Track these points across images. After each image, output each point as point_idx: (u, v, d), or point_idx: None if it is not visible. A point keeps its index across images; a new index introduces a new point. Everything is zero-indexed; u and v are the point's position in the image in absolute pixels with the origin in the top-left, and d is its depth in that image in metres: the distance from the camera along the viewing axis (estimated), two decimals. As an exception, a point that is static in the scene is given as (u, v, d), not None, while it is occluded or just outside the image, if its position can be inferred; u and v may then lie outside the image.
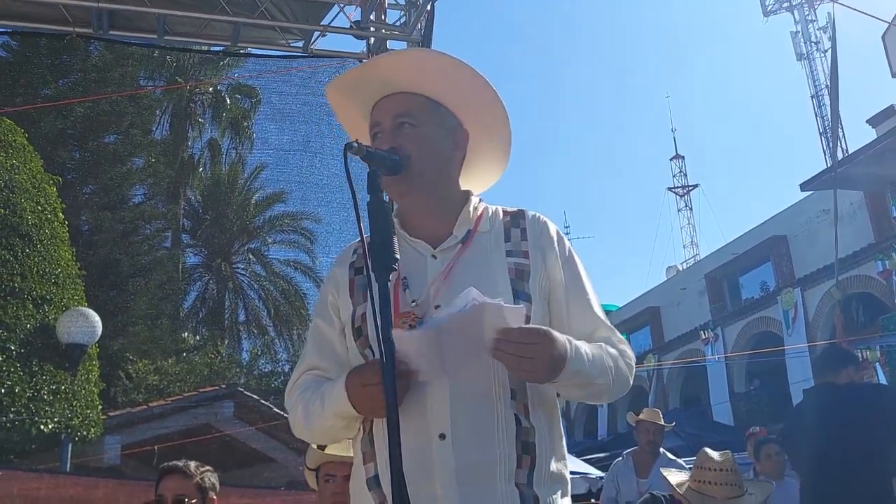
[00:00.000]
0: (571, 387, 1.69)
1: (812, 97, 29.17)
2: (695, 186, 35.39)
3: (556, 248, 1.84)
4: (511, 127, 1.95)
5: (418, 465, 1.59)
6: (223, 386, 12.10)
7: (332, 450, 2.96)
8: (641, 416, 6.28)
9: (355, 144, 1.60)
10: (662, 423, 6.21)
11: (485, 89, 1.87)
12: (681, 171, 35.43)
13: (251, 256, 23.04)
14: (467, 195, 1.89)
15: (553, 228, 1.87)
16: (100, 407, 10.21)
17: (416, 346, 1.58)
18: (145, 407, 11.58)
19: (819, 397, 4.20)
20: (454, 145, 1.88)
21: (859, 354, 13.20)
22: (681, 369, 21.76)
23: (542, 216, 1.89)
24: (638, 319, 25.55)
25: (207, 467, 3.22)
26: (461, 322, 1.57)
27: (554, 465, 1.71)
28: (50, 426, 9.08)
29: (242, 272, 22.95)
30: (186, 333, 20.55)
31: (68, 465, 9.06)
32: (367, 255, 1.56)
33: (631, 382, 1.82)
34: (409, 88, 1.84)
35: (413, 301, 1.71)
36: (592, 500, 8.96)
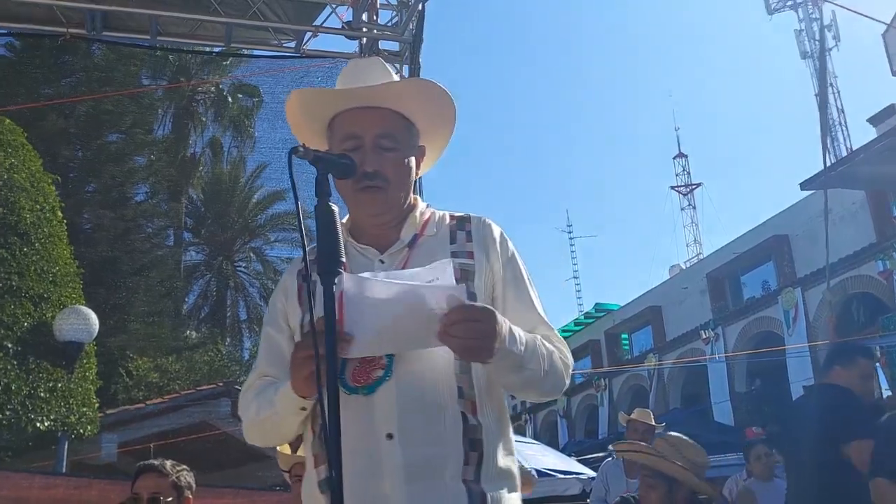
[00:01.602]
0: (504, 369, 1.69)
1: (816, 95, 29.09)
2: (698, 185, 35.37)
3: (499, 248, 1.88)
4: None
5: (367, 465, 1.63)
6: (220, 384, 12.13)
7: (303, 451, 3.00)
8: (633, 416, 6.32)
9: (301, 149, 1.62)
10: (653, 423, 6.25)
11: (452, 115, 1.96)
12: (684, 170, 35.41)
13: (252, 255, 23.12)
14: (415, 201, 1.93)
15: (497, 230, 1.91)
16: (97, 405, 10.25)
17: (367, 301, 1.59)
18: (142, 405, 11.62)
19: (817, 397, 4.19)
20: (418, 163, 1.94)
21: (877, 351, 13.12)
22: (681, 369, 21.75)
23: (487, 219, 1.93)
24: (639, 318, 25.54)
25: (184, 466, 3.25)
26: (410, 294, 1.59)
27: (502, 462, 1.74)
28: (46, 424, 9.11)
29: (244, 270, 23.04)
30: (188, 331, 20.62)
31: (65, 463, 9.10)
32: (307, 259, 1.58)
33: (566, 381, 1.84)
34: (391, 106, 1.86)
35: None
36: (588, 501, 8.98)
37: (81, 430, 9.79)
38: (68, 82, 16.46)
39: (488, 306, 1.66)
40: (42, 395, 9.41)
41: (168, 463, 3.19)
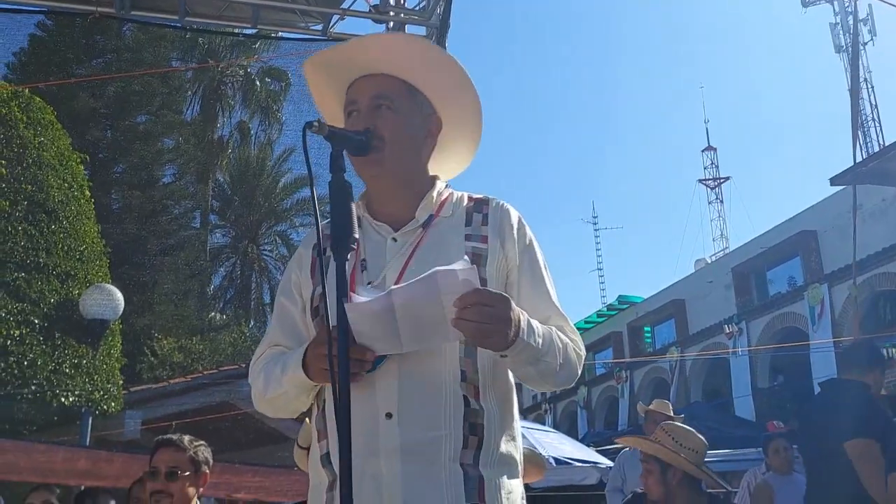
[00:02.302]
0: (521, 362, 1.68)
1: (850, 90, 28.68)
2: (726, 179, 35.01)
3: (516, 234, 1.85)
4: (483, 120, 1.97)
5: (365, 443, 1.62)
6: (243, 365, 12.24)
7: None
8: (651, 407, 6.30)
9: (316, 123, 1.61)
10: (671, 414, 6.22)
11: (463, 81, 1.90)
12: (712, 163, 35.06)
13: (278, 238, 23.24)
14: (433, 181, 1.91)
15: (515, 215, 1.88)
16: (121, 382, 10.39)
17: (369, 316, 1.59)
18: (165, 383, 11.75)
19: (834, 392, 4.15)
20: (427, 132, 1.90)
21: (885, 352, 13.02)
22: (704, 363, 21.60)
23: (505, 203, 1.90)
24: (663, 312, 25.37)
25: (201, 442, 3.28)
26: (415, 290, 1.58)
27: (504, 447, 1.73)
28: (70, 399, 9.27)
29: (269, 254, 23.17)
30: (213, 313, 20.80)
31: (88, 439, 9.23)
32: (321, 234, 1.59)
33: (578, 372, 1.82)
34: (389, 71, 1.85)
35: (369, 283, 1.73)
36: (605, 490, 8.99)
37: (105, 407, 9.95)
38: (99, 62, 16.63)
39: (503, 293, 1.64)
40: (67, 370, 9.56)
41: (186, 438, 3.21)
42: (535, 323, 1.69)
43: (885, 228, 17.19)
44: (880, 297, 17.11)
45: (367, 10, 6.50)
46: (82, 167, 11.18)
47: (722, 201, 34.34)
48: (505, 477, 1.71)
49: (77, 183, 10.81)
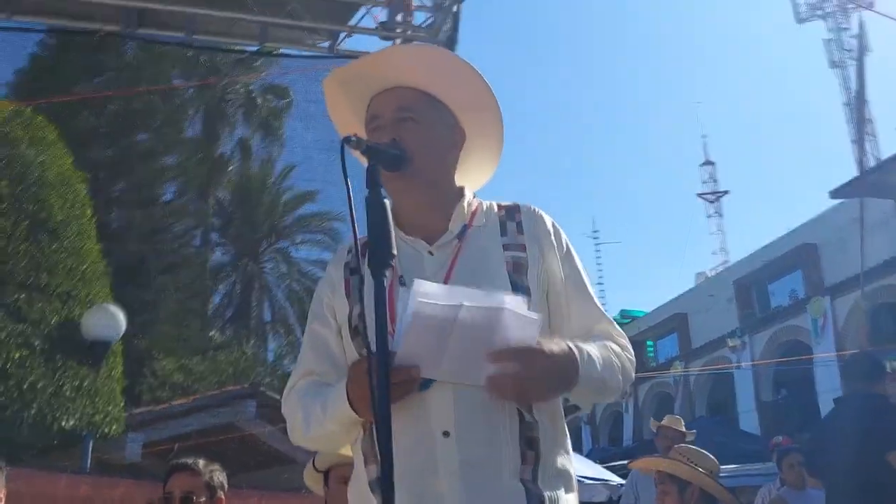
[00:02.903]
0: (586, 394, 1.67)
1: (844, 105, 28.78)
2: (725, 193, 35.06)
3: (554, 240, 1.82)
4: (504, 131, 1.94)
5: (422, 464, 1.58)
6: (246, 385, 12.13)
7: (347, 451, 2.93)
8: (663, 423, 6.27)
9: (353, 138, 1.58)
10: (683, 430, 6.18)
11: (483, 90, 1.87)
12: (710, 178, 35.12)
13: (278, 256, 23.17)
14: (461, 191, 1.87)
15: (549, 221, 1.85)
16: (122, 404, 10.28)
17: (429, 320, 1.53)
18: (167, 405, 11.64)
19: (856, 406, 4.09)
20: (452, 143, 1.86)
21: (887, 364, 12.96)
22: (708, 377, 21.54)
23: (537, 209, 1.87)
24: (665, 326, 25.33)
25: (216, 465, 3.21)
26: (481, 315, 1.54)
27: (559, 462, 1.70)
28: (71, 422, 9.15)
29: (270, 271, 23.10)
30: (213, 332, 20.68)
31: (89, 462, 9.11)
32: (360, 252, 1.55)
33: (634, 376, 1.79)
34: (410, 83, 1.82)
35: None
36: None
37: (106, 430, 9.82)
38: (100, 81, 16.59)
39: (531, 347, 1.57)
40: (68, 393, 9.44)
41: (201, 462, 3.15)
42: (593, 352, 1.66)
43: (887, 241, 17.17)
44: (881, 309, 17.08)
45: (375, 27, 6.49)
46: (84, 186, 11.11)
47: (721, 215, 34.43)
48: (562, 491, 1.67)
49: (79, 202, 10.75)
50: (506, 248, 1.77)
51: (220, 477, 3.16)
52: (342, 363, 1.79)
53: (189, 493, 3.03)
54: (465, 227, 1.80)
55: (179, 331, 17.57)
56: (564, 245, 1.85)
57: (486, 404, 1.62)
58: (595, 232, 40.65)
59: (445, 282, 1.71)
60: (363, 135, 1.84)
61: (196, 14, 6.37)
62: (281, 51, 7.59)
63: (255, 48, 7.13)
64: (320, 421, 1.70)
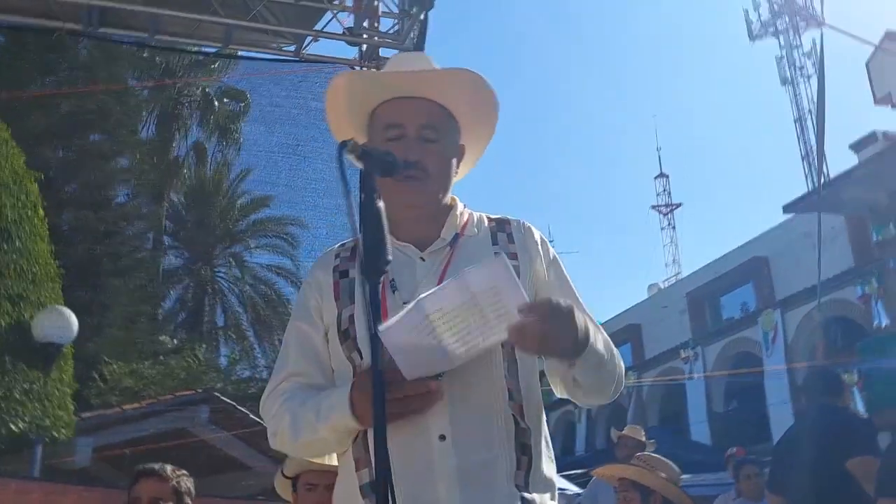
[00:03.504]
0: (589, 368, 1.65)
1: (795, 121, 29.44)
2: (678, 205, 35.55)
3: (541, 251, 1.87)
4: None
5: (419, 468, 1.58)
6: (199, 390, 11.96)
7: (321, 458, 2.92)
8: (624, 432, 6.34)
9: (351, 142, 1.57)
10: (644, 439, 6.25)
11: (494, 112, 1.92)
12: (665, 190, 35.59)
13: (232, 260, 22.90)
14: (453, 200, 1.90)
15: (537, 234, 1.90)
16: (72, 408, 10.05)
17: (405, 337, 1.53)
18: (119, 409, 11.42)
19: (820, 418, 4.16)
20: (458, 159, 1.90)
21: (845, 377, 13.29)
22: (660, 388, 21.81)
23: (525, 222, 1.92)
24: (619, 336, 25.49)
25: (183, 471, 3.17)
26: (445, 296, 1.54)
27: (546, 468, 1.72)
28: (21, 426, 8.93)
29: (223, 276, 22.82)
30: (164, 336, 20.35)
31: (38, 467, 8.91)
32: (351, 256, 1.54)
33: (624, 380, 1.82)
34: (435, 98, 1.83)
35: (404, 303, 1.69)
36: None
37: (56, 434, 9.59)
38: (53, 80, 16.26)
39: (563, 300, 1.59)
40: (17, 396, 9.21)
41: (168, 467, 3.11)
42: (590, 326, 1.66)
43: (834, 256, 17.60)
44: (831, 322, 17.48)
45: (341, 32, 6.49)
46: (37, 186, 10.86)
47: (674, 227, 34.87)
48: (548, 497, 1.70)
49: (31, 202, 10.50)
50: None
51: (187, 483, 3.12)
52: (327, 366, 1.79)
53: (156, 498, 2.99)
54: (456, 236, 1.82)
55: (130, 335, 17.25)
56: (551, 255, 1.89)
57: (482, 408, 1.64)
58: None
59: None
60: (351, 132, 1.85)
61: (159, 14, 6.31)
62: (244, 53, 7.54)
63: (218, 50, 7.07)
64: (313, 428, 1.68)
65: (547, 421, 1.83)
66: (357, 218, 1.58)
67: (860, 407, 13.84)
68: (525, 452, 1.66)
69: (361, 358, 1.70)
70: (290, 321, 1.92)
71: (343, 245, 1.89)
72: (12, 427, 8.99)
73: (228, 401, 11.50)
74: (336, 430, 1.66)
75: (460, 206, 1.89)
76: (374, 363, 1.46)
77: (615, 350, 1.76)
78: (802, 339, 17.68)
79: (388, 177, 1.70)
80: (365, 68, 5.57)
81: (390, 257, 1.51)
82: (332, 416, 1.65)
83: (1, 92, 13.97)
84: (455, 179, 1.93)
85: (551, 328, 1.52)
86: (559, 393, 1.80)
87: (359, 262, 1.53)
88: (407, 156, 1.73)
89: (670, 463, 3.82)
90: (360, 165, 1.63)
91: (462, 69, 1.83)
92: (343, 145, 1.56)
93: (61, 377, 10.00)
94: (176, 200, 22.37)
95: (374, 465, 1.59)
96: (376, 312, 1.49)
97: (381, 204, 1.57)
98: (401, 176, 1.72)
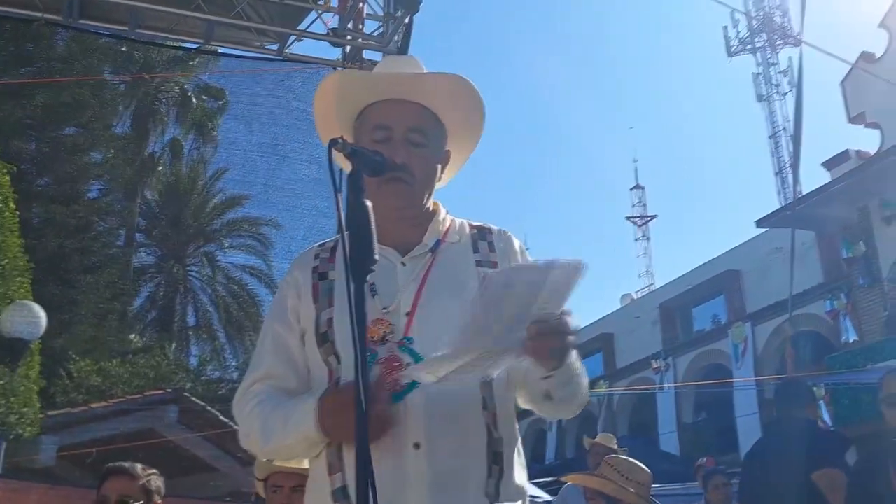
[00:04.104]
0: (564, 380, 1.64)
1: (770, 137, 29.80)
2: (653, 217, 35.80)
3: (520, 258, 1.87)
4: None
5: (391, 475, 1.56)
6: (169, 390, 11.83)
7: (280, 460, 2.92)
8: (596, 440, 6.35)
9: (340, 140, 1.56)
10: (615, 447, 6.26)
11: (481, 120, 1.92)
12: (640, 201, 35.82)
13: (205, 259, 22.70)
14: (436, 206, 1.90)
15: (517, 243, 1.91)
16: (38, 405, 9.88)
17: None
18: (86, 408, 11.25)
19: (788, 430, 4.20)
20: (443, 166, 1.90)
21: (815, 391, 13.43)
22: (630, 397, 21.93)
23: (506, 231, 1.92)
24: (591, 345, 25.65)
25: (153, 470, 3.12)
26: (520, 274, 1.57)
27: (517, 478, 1.71)
28: (-16, 422, 8.77)
29: (196, 275, 22.60)
30: (134, 335, 20.11)
31: (1, 464, 8.76)
32: (331, 257, 1.53)
33: (587, 396, 1.81)
34: (424, 101, 1.82)
35: (384, 308, 1.69)
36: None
37: (21, 431, 9.42)
38: (28, 71, 16.03)
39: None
40: (-18, 392, 9.05)
41: (138, 466, 3.06)
42: None
43: (805, 271, 17.80)
44: (800, 336, 17.68)
45: (325, 32, 6.46)
46: (8, 178, 10.68)
47: (648, 238, 35.09)
48: None
49: (1, 195, 10.33)
50: (478, 264, 1.80)
51: (157, 482, 3.07)
52: (302, 368, 1.77)
53: (125, 497, 2.93)
54: (438, 242, 1.82)
55: (99, 332, 17.04)
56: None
57: (457, 417, 1.63)
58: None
59: (418, 292, 1.72)
60: (338, 131, 1.83)
61: (141, 8, 6.24)
62: (226, 51, 7.48)
63: (199, 46, 7.00)
64: (279, 435, 1.68)
65: (517, 429, 1.81)
66: (344, 216, 1.55)
67: (827, 420, 14.01)
68: (497, 461, 1.65)
69: (339, 362, 1.68)
70: (266, 319, 1.91)
71: (322, 245, 1.87)
72: (-24, 423, 8.84)
73: (198, 401, 11.39)
74: (302, 439, 1.66)
75: (443, 212, 1.89)
76: (357, 366, 1.43)
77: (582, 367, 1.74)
78: (771, 351, 17.86)
79: (375, 177, 1.68)
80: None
81: (377, 258, 1.50)
82: (299, 426, 1.65)
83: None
84: (439, 185, 1.93)
85: (560, 345, 1.54)
86: (523, 403, 1.78)
87: (345, 262, 1.48)
88: (393, 158, 1.72)
89: (640, 465, 3.81)
90: (348, 164, 1.61)
91: (453, 75, 1.83)
92: (333, 142, 1.55)
93: (27, 373, 9.83)
94: (150, 197, 22.14)
95: (345, 470, 1.62)
96: (360, 315, 1.46)
97: (369, 203, 1.55)
98: (386, 178, 1.71)
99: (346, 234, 1.50)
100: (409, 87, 1.81)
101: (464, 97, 1.86)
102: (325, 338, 1.71)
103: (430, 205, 1.87)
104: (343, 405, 1.53)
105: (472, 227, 1.90)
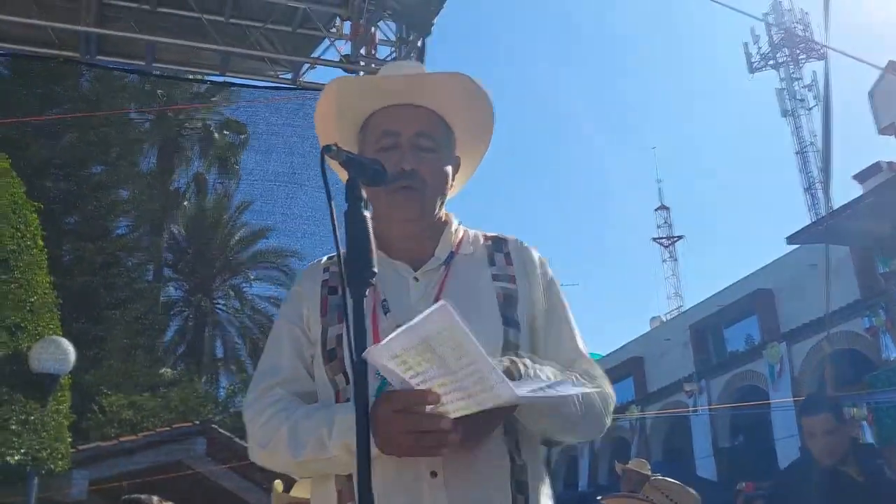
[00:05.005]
0: (536, 414, 1.51)
1: (797, 153, 29.53)
2: (679, 237, 35.51)
3: (539, 274, 1.75)
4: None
5: None
6: (196, 423, 11.83)
7: (297, 492, 2.85)
8: (628, 466, 6.24)
9: (334, 148, 1.46)
10: (649, 473, 6.14)
11: (490, 121, 1.83)
12: (665, 222, 35.59)
13: (232, 292, 22.87)
14: (448, 217, 1.80)
15: (536, 255, 1.79)
16: (69, 440, 9.92)
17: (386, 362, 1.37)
18: (115, 441, 11.28)
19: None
20: (453, 172, 1.80)
21: (847, 412, 13.11)
22: (664, 421, 21.56)
23: (525, 242, 1.80)
24: (621, 370, 25.35)
25: (170, 503, 3.07)
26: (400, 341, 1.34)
27: None
28: (16, 458, 8.79)
29: (223, 308, 22.76)
30: (164, 368, 20.25)
31: (33, 500, 8.76)
32: (341, 267, 1.42)
33: (607, 421, 1.68)
34: (430, 105, 1.74)
35: (398, 325, 1.58)
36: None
37: (52, 466, 9.44)
38: (55, 111, 16.34)
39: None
40: (13, 427, 9.09)
41: (155, 498, 3.02)
42: (546, 371, 1.53)
43: (841, 287, 17.45)
44: (836, 354, 17.30)
45: (338, 59, 6.47)
46: (36, 216, 10.83)
47: (676, 259, 34.81)
48: None
49: (30, 233, 10.46)
50: (495, 278, 1.70)
51: (172, 514, 3.02)
52: (310, 379, 1.66)
53: (141, 530, 2.88)
54: (451, 254, 1.72)
55: (129, 366, 17.18)
56: (549, 276, 1.78)
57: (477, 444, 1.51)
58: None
59: None
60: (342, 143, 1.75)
61: (157, 42, 6.28)
62: (241, 81, 7.51)
63: (216, 78, 7.04)
64: (321, 445, 1.50)
65: (549, 455, 1.70)
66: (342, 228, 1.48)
67: (870, 440, 13.64)
68: (521, 491, 1.54)
69: (347, 382, 1.57)
70: (279, 321, 1.76)
71: (331, 258, 1.77)
72: (8, 458, 8.86)
73: (225, 432, 11.37)
74: (352, 449, 1.46)
75: (455, 223, 1.79)
76: (357, 386, 1.35)
77: (592, 393, 1.57)
78: (809, 371, 17.48)
79: (379, 187, 1.59)
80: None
81: (376, 269, 1.41)
82: (351, 434, 1.41)
83: (3, 122, 14.03)
84: (451, 193, 1.83)
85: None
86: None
87: (339, 274, 1.40)
88: (402, 164, 1.64)
89: (686, 488, 3.66)
90: (344, 172, 1.54)
91: (457, 73, 1.73)
92: (327, 149, 1.46)
93: (58, 408, 9.88)
94: (176, 232, 22.40)
95: (356, 500, 1.45)
96: (360, 328, 1.38)
97: (366, 212, 1.47)
98: (394, 187, 1.63)
99: (340, 244, 1.41)
100: (413, 90, 1.72)
101: (472, 98, 1.77)
102: (332, 355, 1.61)
103: (441, 214, 1.77)
104: (397, 412, 1.38)
105: (486, 238, 1.80)
